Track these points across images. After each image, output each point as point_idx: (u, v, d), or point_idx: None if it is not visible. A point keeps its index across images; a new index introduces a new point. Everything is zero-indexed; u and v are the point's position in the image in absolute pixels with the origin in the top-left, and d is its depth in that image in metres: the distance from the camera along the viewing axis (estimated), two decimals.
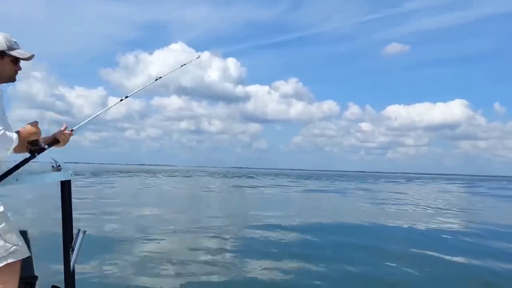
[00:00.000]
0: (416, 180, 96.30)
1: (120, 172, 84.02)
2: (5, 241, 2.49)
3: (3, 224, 2.51)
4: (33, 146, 2.68)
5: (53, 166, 2.77)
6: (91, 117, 3.20)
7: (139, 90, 3.51)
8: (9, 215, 2.60)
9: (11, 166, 2.69)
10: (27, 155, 2.74)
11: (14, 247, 2.52)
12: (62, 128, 2.90)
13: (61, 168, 2.80)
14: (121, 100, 3.36)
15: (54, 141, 2.82)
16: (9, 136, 2.50)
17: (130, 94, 3.41)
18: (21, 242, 2.58)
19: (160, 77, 3.56)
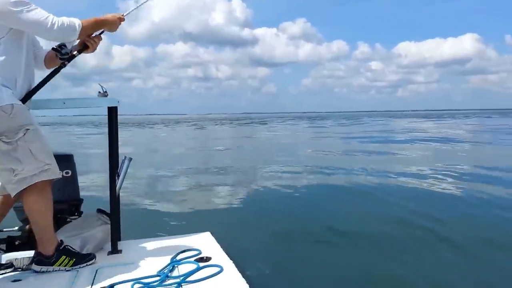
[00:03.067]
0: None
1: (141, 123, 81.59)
2: (38, 160, 2.53)
3: (36, 143, 2.54)
4: (62, 55, 2.65)
5: (99, 92, 2.80)
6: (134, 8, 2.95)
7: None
8: (42, 134, 2.64)
9: None
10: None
11: (47, 166, 2.55)
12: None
13: (107, 95, 2.83)
14: None
15: (83, 47, 2.74)
16: (68, 23, 2.50)
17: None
18: (53, 162, 2.62)
19: None
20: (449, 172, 11.41)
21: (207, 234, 3.26)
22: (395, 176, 10.99)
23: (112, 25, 2.73)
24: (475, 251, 5.17)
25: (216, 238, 3.14)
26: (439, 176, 10.86)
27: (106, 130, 2.92)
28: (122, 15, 2.80)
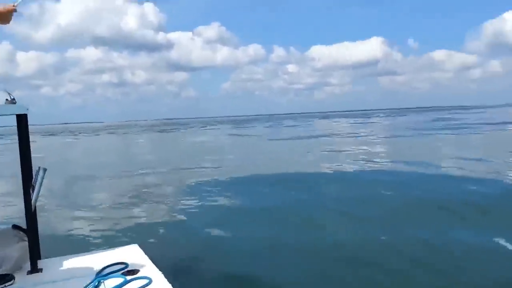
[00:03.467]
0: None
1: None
2: None
3: None
4: None
5: (7, 100, 2.61)
6: None
7: None
8: None
9: None
10: None
11: None
12: None
13: (16, 102, 2.64)
14: None
15: None
16: None
17: None
18: None
19: None
20: (363, 161, 13.26)
21: (135, 247, 3.14)
22: (319, 166, 11.95)
23: (4, 17, 2.53)
24: (384, 222, 6.21)
25: (144, 250, 3.03)
26: (360, 164, 12.70)
27: (14, 140, 2.74)
28: (13, 5, 2.58)
